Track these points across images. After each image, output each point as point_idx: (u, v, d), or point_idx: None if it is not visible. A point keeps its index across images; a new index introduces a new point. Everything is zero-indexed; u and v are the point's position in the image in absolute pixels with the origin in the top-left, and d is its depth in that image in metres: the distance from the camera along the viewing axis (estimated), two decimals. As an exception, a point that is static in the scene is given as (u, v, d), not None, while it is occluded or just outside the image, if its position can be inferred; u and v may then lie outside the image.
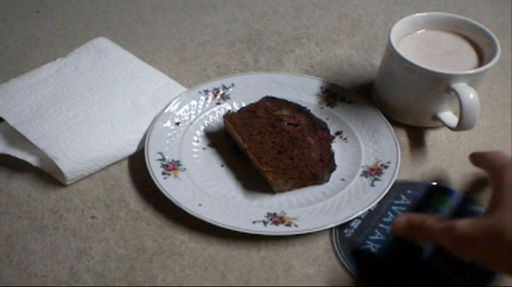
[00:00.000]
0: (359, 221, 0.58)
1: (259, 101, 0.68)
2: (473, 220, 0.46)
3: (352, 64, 0.80)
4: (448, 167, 0.65)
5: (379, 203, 0.59)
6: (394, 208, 0.59)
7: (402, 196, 0.60)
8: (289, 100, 0.68)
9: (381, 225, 0.58)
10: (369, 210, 0.59)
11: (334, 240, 0.56)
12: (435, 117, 0.67)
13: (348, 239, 0.56)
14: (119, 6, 0.92)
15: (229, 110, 0.69)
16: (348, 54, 0.82)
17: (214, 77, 0.77)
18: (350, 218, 0.57)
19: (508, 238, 0.43)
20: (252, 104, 0.67)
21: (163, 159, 0.63)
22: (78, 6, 0.92)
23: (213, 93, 0.71)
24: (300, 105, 0.68)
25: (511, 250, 0.42)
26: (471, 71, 0.62)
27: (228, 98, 0.71)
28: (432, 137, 0.69)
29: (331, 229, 0.57)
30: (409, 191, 0.61)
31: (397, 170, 0.61)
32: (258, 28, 0.87)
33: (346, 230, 0.57)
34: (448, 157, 0.66)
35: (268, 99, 0.68)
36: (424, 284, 0.53)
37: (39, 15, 0.90)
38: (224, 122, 0.66)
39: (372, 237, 0.57)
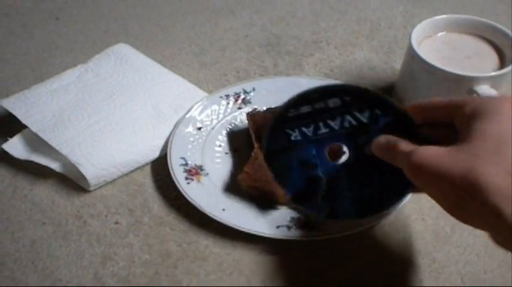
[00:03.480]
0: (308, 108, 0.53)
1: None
2: (438, 148, 0.41)
3: (372, 67, 0.80)
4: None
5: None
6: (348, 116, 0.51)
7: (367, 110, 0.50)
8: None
9: (328, 121, 0.51)
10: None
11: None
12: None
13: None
14: (138, 12, 0.92)
15: (255, 108, 0.69)
16: (367, 57, 0.82)
17: (234, 81, 0.77)
18: (375, 222, 0.56)
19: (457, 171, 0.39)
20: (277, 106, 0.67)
21: (186, 164, 0.63)
22: (97, 12, 0.92)
23: (234, 97, 0.71)
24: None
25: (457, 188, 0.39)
26: (493, 73, 0.62)
27: (249, 102, 0.71)
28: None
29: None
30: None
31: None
32: (277, 33, 0.87)
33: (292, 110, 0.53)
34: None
35: None
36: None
37: (59, 22, 0.90)
38: (247, 120, 0.65)
39: (303, 129, 0.52)
